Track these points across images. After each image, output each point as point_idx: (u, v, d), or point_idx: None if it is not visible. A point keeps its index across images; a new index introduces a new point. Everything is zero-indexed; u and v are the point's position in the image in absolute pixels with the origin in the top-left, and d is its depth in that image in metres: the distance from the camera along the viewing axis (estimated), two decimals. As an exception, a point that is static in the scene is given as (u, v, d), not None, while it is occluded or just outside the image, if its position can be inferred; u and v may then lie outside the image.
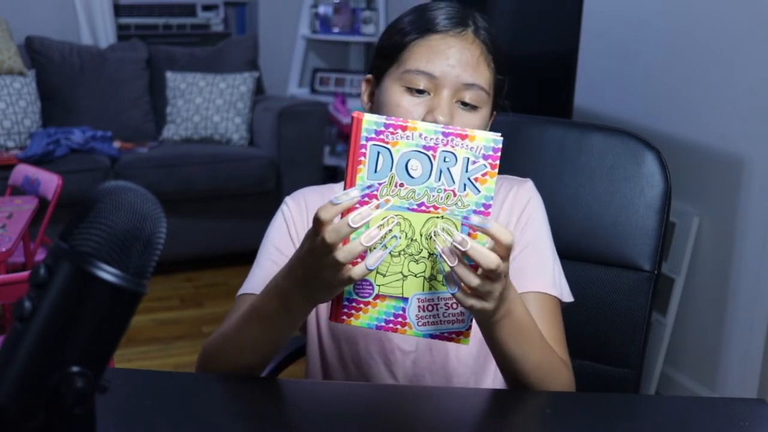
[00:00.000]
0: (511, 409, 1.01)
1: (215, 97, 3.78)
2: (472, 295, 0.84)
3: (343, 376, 1.15)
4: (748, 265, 2.27)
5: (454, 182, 0.82)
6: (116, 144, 3.64)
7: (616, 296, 1.28)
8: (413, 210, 0.83)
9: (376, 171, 0.82)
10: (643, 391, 2.40)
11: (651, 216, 1.28)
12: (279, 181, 3.68)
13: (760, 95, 2.21)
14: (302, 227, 1.15)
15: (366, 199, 0.82)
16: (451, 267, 0.82)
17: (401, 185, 0.83)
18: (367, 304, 0.87)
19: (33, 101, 3.56)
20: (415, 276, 0.86)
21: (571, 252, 1.27)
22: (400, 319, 0.87)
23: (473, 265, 0.82)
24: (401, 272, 0.86)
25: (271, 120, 3.69)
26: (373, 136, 0.82)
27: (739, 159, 2.28)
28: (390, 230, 0.83)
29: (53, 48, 3.76)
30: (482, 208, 0.83)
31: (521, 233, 1.12)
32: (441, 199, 0.83)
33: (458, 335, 0.88)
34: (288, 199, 1.19)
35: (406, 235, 0.84)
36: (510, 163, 1.17)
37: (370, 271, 0.83)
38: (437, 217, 0.84)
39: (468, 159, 0.82)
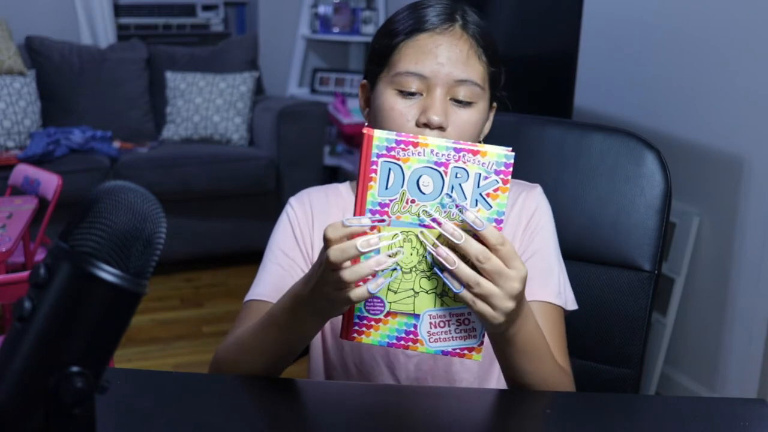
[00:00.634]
0: (511, 409, 1.01)
1: (215, 97, 3.78)
2: (478, 298, 0.83)
3: (346, 377, 1.15)
4: (748, 265, 2.27)
5: (465, 198, 0.82)
6: (116, 144, 3.64)
7: (616, 296, 1.28)
8: (424, 226, 0.83)
9: (387, 187, 0.82)
10: (643, 391, 2.40)
11: (651, 216, 1.28)
12: (279, 181, 3.67)
13: (760, 95, 2.21)
14: (307, 228, 1.14)
15: (378, 216, 0.82)
16: (451, 269, 0.81)
17: (412, 201, 0.82)
18: (378, 321, 0.87)
19: (33, 101, 3.56)
20: (427, 292, 0.86)
21: (571, 252, 1.26)
22: (411, 336, 0.87)
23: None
24: (412, 289, 0.86)
25: (271, 120, 3.69)
26: (384, 152, 0.81)
27: (739, 159, 2.28)
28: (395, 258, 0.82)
29: (53, 48, 3.76)
30: (494, 224, 0.82)
31: (528, 241, 1.12)
32: (452, 215, 0.82)
33: (470, 351, 0.88)
34: (292, 200, 1.18)
35: (417, 252, 0.84)
36: (510, 163, 1.17)
37: (371, 295, 0.82)
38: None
39: (480, 174, 0.81)
